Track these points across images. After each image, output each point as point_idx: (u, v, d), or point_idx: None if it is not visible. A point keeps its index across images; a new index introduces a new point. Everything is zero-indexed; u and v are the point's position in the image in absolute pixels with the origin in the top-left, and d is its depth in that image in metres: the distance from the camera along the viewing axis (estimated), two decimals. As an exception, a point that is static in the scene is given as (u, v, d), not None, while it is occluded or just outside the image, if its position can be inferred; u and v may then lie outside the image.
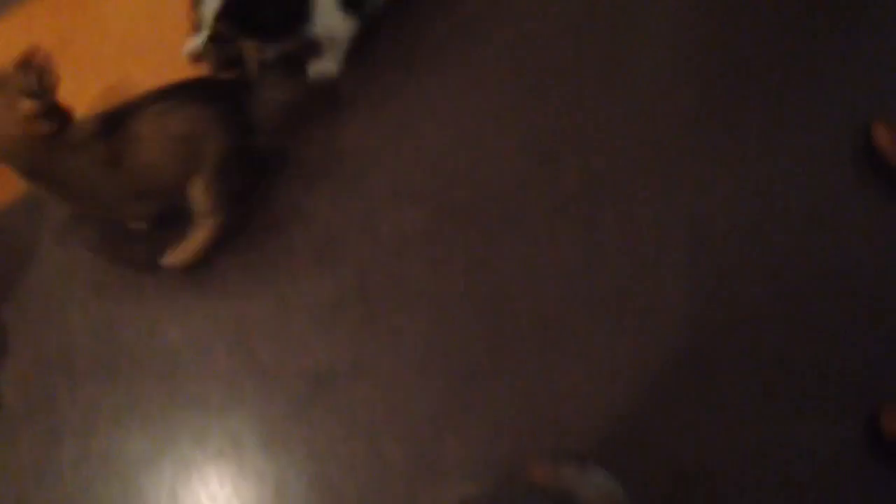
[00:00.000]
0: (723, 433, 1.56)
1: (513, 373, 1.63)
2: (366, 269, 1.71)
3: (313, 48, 1.85)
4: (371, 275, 1.71)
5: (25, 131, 1.35)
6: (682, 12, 1.99)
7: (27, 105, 1.34)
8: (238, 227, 1.72)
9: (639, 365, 1.63)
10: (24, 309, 1.65)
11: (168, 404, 1.58)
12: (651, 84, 1.93)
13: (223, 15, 1.58)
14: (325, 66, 1.89)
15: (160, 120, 1.48)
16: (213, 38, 1.62)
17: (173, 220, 1.66)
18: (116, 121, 1.47)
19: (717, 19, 1.99)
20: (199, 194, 1.58)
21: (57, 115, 1.40)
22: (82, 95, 1.80)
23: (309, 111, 1.86)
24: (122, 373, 1.60)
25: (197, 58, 1.71)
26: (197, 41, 1.63)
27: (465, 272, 1.72)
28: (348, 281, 1.70)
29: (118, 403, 1.58)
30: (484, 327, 1.67)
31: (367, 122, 1.86)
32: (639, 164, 1.84)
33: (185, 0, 1.66)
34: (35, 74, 1.37)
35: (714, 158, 1.84)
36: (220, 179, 1.57)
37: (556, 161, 1.84)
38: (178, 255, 1.65)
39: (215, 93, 1.56)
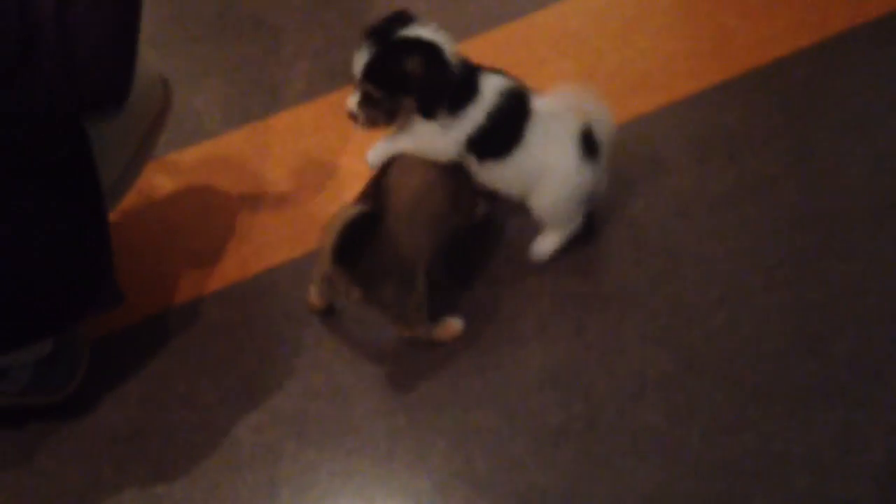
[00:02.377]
0: None
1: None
2: (599, 401, 1.67)
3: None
4: (603, 409, 1.66)
5: None
6: None
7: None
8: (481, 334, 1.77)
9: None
10: (272, 362, 1.78)
11: (380, 485, 1.61)
12: None
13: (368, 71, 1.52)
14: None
15: None
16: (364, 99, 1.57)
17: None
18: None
19: None
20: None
21: None
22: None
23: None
24: (345, 444, 1.67)
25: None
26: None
27: (703, 433, 1.61)
28: (578, 410, 1.66)
29: (335, 471, 1.63)
30: (714, 500, 1.54)
31: (632, 262, 1.87)
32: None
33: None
34: None
35: None
36: None
37: (824, 341, 1.72)
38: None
39: None
